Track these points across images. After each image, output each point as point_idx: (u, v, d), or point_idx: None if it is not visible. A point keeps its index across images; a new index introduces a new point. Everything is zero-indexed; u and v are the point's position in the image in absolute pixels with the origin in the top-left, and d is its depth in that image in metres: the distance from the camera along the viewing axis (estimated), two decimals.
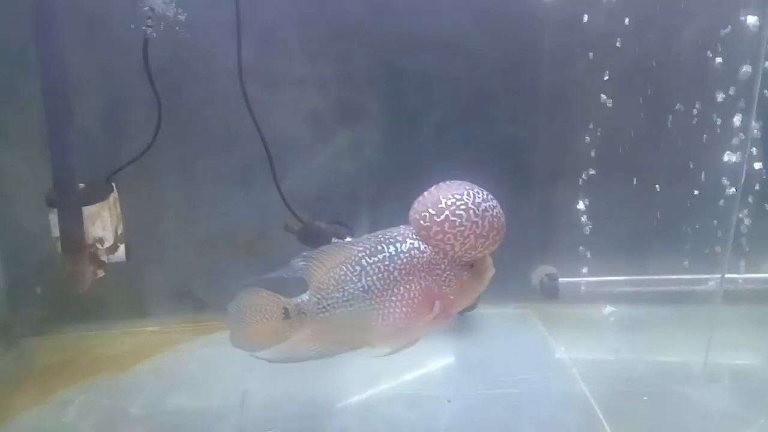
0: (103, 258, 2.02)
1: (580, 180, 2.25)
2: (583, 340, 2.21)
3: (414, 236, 1.24)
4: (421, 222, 1.20)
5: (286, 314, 1.26)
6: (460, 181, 1.27)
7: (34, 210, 1.92)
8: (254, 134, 2.02)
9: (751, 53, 2.02)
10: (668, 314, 2.30)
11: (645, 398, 1.89)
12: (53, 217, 1.84)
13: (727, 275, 2.21)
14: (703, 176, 2.20)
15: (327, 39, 2.15)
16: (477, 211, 1.20)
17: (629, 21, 2.10)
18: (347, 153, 2.26)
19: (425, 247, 1.23)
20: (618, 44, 2.10)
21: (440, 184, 1.26)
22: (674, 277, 2.25)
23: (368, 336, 1.28)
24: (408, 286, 1.23)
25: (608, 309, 2.28)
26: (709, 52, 2.10)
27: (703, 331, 1.97)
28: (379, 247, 1.24)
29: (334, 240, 2.13)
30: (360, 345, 1.32)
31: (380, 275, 1.22)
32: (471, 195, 1.21)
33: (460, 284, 1.25)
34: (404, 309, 1.24)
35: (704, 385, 1.90)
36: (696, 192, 2.21)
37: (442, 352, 2.19)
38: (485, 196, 1.24)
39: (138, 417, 1.85)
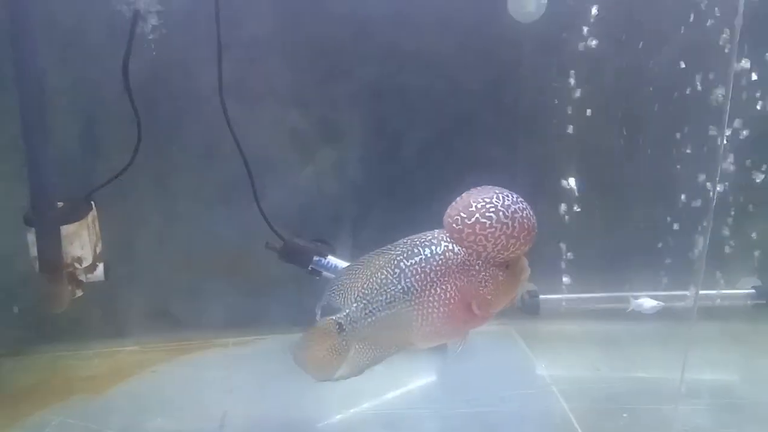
0: (82, 278, 1.99)
1: (560, 198, 2.27)
2: (564, 357, 2.21)
3: (448, 239, 1.27)
4: (454, 225, 1.24)
5: (341, 328, 1.28)
6: (490, 186, 1.30)
7: (12, 229, 1.88)
8: (235, 152, 2.02)
9: (724, 71, 2.06)
10: (647, 331, 2.31)
11: (624, 415, 1.90)
12: (31, 237, 1.82)
13: (703, 292, 2.25)
14: (680, 193, 2.23)
15: (309, 58, 2.16)
16: (506, 213, 1.23)
17: (607, 41, 2.14)
18: (329, 171, 2.26)
19: (459, 249, 1.26)
20: (596, 64, 2.14)
21: (471, 189, 1.30)
22: (653, 293, 2.27)
23: (411, 337, 1.30)
24: (444, 287, 1.26)
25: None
26: (684, 69, 2.14)
27: (681, 347, 1.98)
28: (416, 250, 1.28)
29: (315, 259, 2.13)
30: (405, 347, 1.34)
31: (418, 277, 1.26)
32: (500, 198, 1.25)
33: (496, 284, 1.28)
34: (442, 309, 1.27)
35: (682, 402, 1.91)
36: (673, 209, 2.24)
37: (423, 370, 2.18)
38: (515, 199, 1.28)
39: None
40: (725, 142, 2.09)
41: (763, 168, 2.25)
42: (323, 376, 1.35)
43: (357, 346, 1.31)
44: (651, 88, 2.20)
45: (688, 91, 2.16)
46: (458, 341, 1.35)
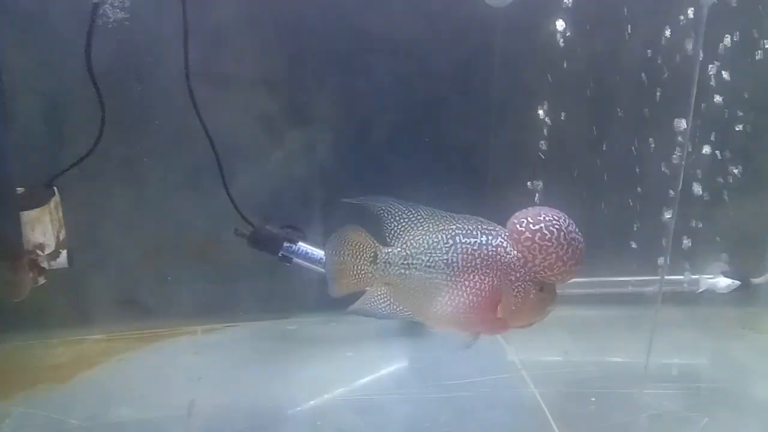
0: (44, 265, 1.96)
1: (531, 183, 2.26)
2: (534, 342, 2.21)
3: (505, 237, 1.28)
4: (517, 226, 1.26)
5: (374, 259, 1.28)
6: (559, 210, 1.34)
7: None
8: (202, 136, 1.99)
9: (692, 60, 2.07)
10: (616, 316, 2.33)
11: (593, 399, 1.91)
12: None
13: (671, 277, 2.27)
14: (650, 179, 2.24)
15: (277, 40, 2.13)
16: (567, 237, 1.27)
17: (579, 26, 2.13)
18: (299, 156, 2.23)
19: (510, 250, 1.27)
20: (568, 49, 2.13)
21: (543, 206, 1.33)
22: (622, 279, 2.28)
23: (430, 311, 1.29)
24: (482, 278, 1.27)
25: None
26: (654, 55, 2.14)
27: (648, 332, 2.00)
28: (475, 232, 1.28)
29: (285, 245, 2.10)
30: (419, 317, 1.33)
31: (465, 256, 1.26)
32: (566, 221, 1.29)
33: (526, 299, 1.28)
34: (471, 298, 1.27)
35: (651, 386, 1.93)
36: (643, 195, 2.25)
37: (395, 356, 2.18)
38: (576, 229, 1.31)
39: (78, 430, 1.77)
40: (689, 126, 2.10)
41: (733, 154, 2.26)
42: (335, 291, 1.35)
43: (379, 288, 1.30)
44: (623, 74, 2.19)
45: (658, 77, 2.15)
46: (470, 338, 1.35)
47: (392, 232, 1.32)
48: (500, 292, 1.27)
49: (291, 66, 2.15)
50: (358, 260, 1.31)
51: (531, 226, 1.25)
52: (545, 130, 2.21)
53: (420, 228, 1.29)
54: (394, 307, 1.32)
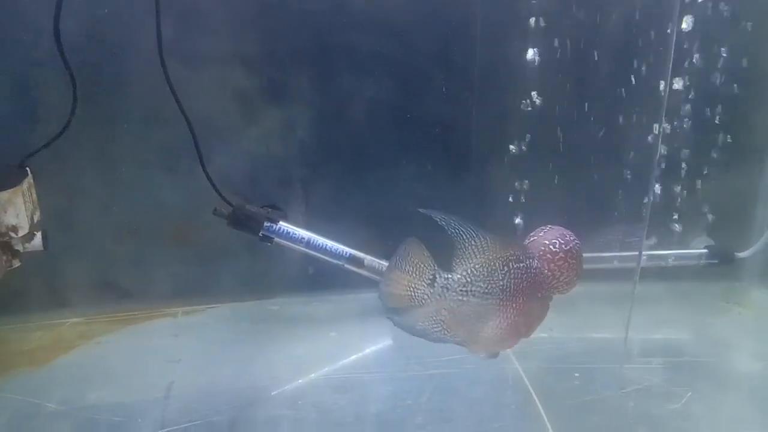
0: (18, 247, 1.93)
1: (514, 160, 2.24)
2: None
3: (533, 257, 1.34)
4: (551, 247, 1.36)
5: (432, 281, 1.27)
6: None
7: None
8: (178, 114, 1.95)
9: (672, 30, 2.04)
10: (600, 292, 2.30)
11: (576, 375, 1.90)
12: None
13: (655, 252, 2.25)
14: (633, 154, 2.22)
15: (253, 14, 2.07)
16: (581, 255, 1.41)
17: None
18: (278, 134, 2.19)
19: (540, 269, 1.35)
20: (550, 23, 2.09)
21: (553, 226, 1.44)
22: (607, 254, 2.27)
23: (480, 334, 1.31)
24: (525, 299, 1.31)
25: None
26: (635, 28, 2.11)
27: (635, 308, 1.98)
28: (522, 257, 1.31)
29: (266, 224, 2.07)
30: (467, 342, 1.35)
31: (516, 281, 1.29)
32: (580, 242, 1.42)
33: (542, 313, 1.37)
34: (516, 318, 1.31)
35: (634, 361, 1.92)
36: (627, 170, 2.23)
37: (378, 335, 2.16)
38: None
39: (54, 413, 1.74)
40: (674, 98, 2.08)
41: (716, 128, 2.24)
42: (388, 301, 1.34)
43: (433, 311, 1.30)
44: (607, 47, 2.16)
45: (642, 50, 2.13)
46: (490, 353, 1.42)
47: (458, 256, 1.31)
48: (533, 309, 1.34)
49: (268, 42, 2.10)
50: (416, 279, 1.30)
51: (564, 246, 1.35)
52: (528, 106, 2.18)
53: (482, 256, 1.29)
54: (446, 331, 1.32)
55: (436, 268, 1.28)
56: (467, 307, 1.27)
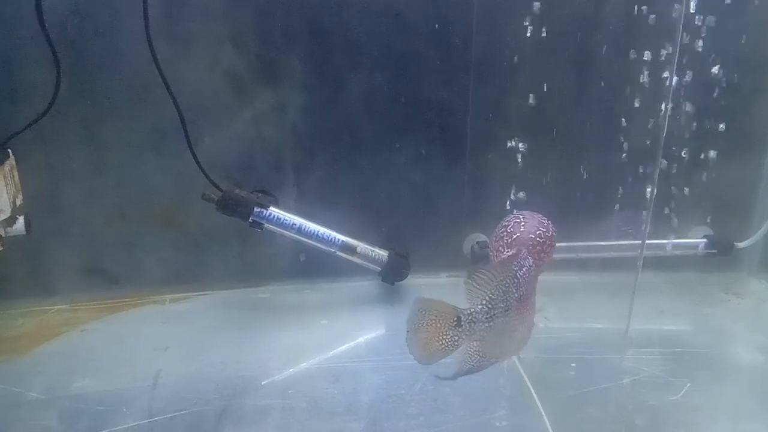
0: (0, 231, 1.88)
1: (511, 146, 2.19)
2: None
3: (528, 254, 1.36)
4: (538, 239, 1.37)
5: (458, 322, 1.26)
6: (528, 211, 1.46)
7: None
8: (165, 95, 1.91)
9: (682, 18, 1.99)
10: (597, 281, 2.28)
11: (573, 365, 1.86)
12: None
13: (654, 241, 2.22)
14: (632, 141, 2.17)
15: None
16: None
17: None
18: (269, 116, 2.13)
19: (534, 262, 1.36)
20: (552, 4, 2.04)
21: (520, 212, 1.43)
22: (604, 243, 2.23)
23: (511, 345, 1.35)
24: (533, 296, 1.36)
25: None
26: (639, 12, 2.06)
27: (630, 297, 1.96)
28: (523, 261, 1.33)
29: (256, 210, 2.02)
30: (507, 355, 1.39)
31: (525, 286, 1.30)
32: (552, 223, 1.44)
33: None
34: (531, 317, 1.35)
35: (631, 351, 1.88)
36: (626, 157, 2.18)
37: (373, 322, 2.13)
38: None
39: (38, 402, 1.70)
40: (674, 86, 2.03)
41: (716, 116, 2.20)
42: (425, 360, 1.32)
43: (467, 347, 1.30)
44: (607, 29, 2.11)
45: (642, 36, 2.07)
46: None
47: (471, 289, 1.30)
48: (534, 303, 1.37)
49: (259, 21, 2.04)
50: (442, 328, 1.29)
51: (546, 233, 1.38)
52: (526, 89, 2.13)
53: (494, 281, 1.28)
54: (484, 358, 1.32)
55: (457, 309, 1.27)
56: (495, 329, 1.27)
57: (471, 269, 1.29)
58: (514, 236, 1.37)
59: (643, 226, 1.87)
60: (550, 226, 1.41)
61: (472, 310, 1.26)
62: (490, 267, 1.29)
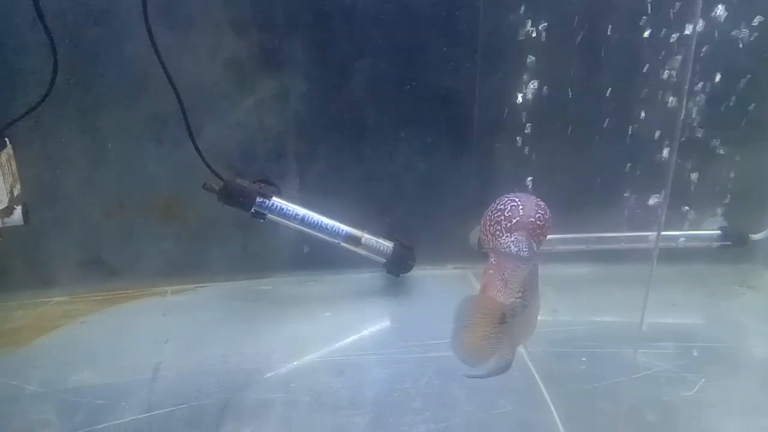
0: None
1: (519, 136, 2.14)
2: None
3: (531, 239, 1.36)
4: (538, 222, 1.35)
5: (503, 319, 1.23)
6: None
7: None
8: (165, 83, 1.86)
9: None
10: (607, 273, 2.23)
11: (583, 359, 1.81)
12: None
13: (666, 233, 2.16)
14: (644, 131, 2.12)
15: None
16: None
17: None
18: (271, 104, 2.08)
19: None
20: None
21: (515, 194, 1.41)
22: (614, 235, 2.18)
23: (526, 334, 1.31)
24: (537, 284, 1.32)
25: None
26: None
27: (642, 290, 1.90)
28: (533, 246, 1.33)
29: (258, 200, 1.99)
30: (518, 344, 1.33)
31: (537, 274, 1.28)
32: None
33: None
34: (537, 305, 1.30)
35: (643, 345, 1.83)
36: (637, 148, 2.13)
37: (375, 315, 2.09)
38: None
39: (35, 395, 1.67)
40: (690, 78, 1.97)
41: (730, 107, 2.14)
42: (473, 361, 1.28)
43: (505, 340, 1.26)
44: (617, 18, 2.05)
45: (656, 22, 2.02)
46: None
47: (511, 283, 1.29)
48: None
49: (261, 6, 1.99)
50: (489, 325, 1.26)
51: (545, 215, 1.35)
52: (535, 77, 2.08)
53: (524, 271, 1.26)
54: (511, 351, 1.28)
55: (503, 305, 1.23)
56: (526, 318, 1.25)
57: (499, 263, 1.26)
58: (514, 221, 1.34)
59: (658, 217, 1.82)
60: (546, 207, 1.39)
61: (515, 305, 1.23)
62: (515, 258, 1.27)
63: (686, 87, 1.91)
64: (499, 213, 1.35)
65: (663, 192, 1.98)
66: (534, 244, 1.33)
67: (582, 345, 1.88)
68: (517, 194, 1.39)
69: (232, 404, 1.65)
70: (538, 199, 1.38)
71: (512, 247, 1.30)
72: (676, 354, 1.84)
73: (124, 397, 1.66)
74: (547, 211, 1.37)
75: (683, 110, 1.89)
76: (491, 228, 1.36)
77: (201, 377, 1.75)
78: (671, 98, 2.03)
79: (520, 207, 1.35)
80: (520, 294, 1.23)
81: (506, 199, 1.38)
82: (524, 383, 1.71)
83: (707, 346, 1.90)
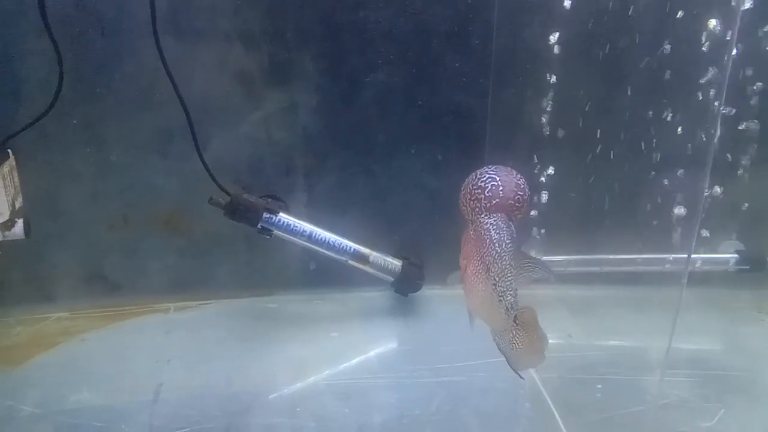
0: None
1: (532, 153, 2.10)
2: None
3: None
4: (517, 204, 1.32)
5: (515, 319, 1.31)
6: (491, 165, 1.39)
7: None
8: (172, 95, 1.83)
9: (721, 20, 1.89)
10: (621, 296, 2.18)
11: (599, 386, 1.76)
12: None
13: (682, 256, 2.11)
14: (661, 153, 2.08)
15: None
16: None
17: None
18: (279, 118, 2.05)
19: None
20: (576, 4, 1.95)
21: (496, 170, 1.36)
22: (629, 257, 2.13)
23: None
24: None
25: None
26: (675, 14, 1.96)
27: (659, 314, 1.86)
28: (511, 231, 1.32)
29: (265, 216, 1.95)
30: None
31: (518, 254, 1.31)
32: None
33: None
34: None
35: (661, 373, 1.78)
36: (653, 169, 2.09)
37: (383, 336, 2.05)
38: None
39: (31, 417, 1.62)
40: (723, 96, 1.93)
41: (749, 123, 2.10)
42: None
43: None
44: (637, 31, 2.01)
45: (679, 39, 1.98)
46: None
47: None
48: None
49: (271, 19, 1.96)
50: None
51: (525, 197, 1.32)
52: (549, 94, 2.04)
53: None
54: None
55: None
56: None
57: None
58: (494, 201, 1.32)
59: (688, 240, 1.76)
60: (525, 186, 1.35)
61: (510, 299, 1.28)
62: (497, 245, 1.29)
63: (720, 109, 1.86)
64: (480, 191, 1.33)
65: (693, 213, 1.94)
66: (513, 227, 1.32)
67: (597, 371, 1.82)
68: (498, 171, 1.34)
69: (234, 429, 1.60)
70: (519, 178, 1.34)
71: (492, 232, 1.29)
72: (694, 382, 1.78)
73: (124, 419, 1.61)
74: (527, 190, 1.34)
75: (717, 132, 1.84)
76: (471, 203, 1.34)
77: (204, 400, 1.70)
78: (690, 117, 1.99)
79: (501, 188, 1.32)
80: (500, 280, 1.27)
81: (487, 176, 1.34)
82: (539, 411, 1.66)
83: (726, 374, 1.84)
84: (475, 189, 1.34)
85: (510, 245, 1.28)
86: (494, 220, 1.30)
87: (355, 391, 1.75)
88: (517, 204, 1.32)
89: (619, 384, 1.78)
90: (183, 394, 1.72)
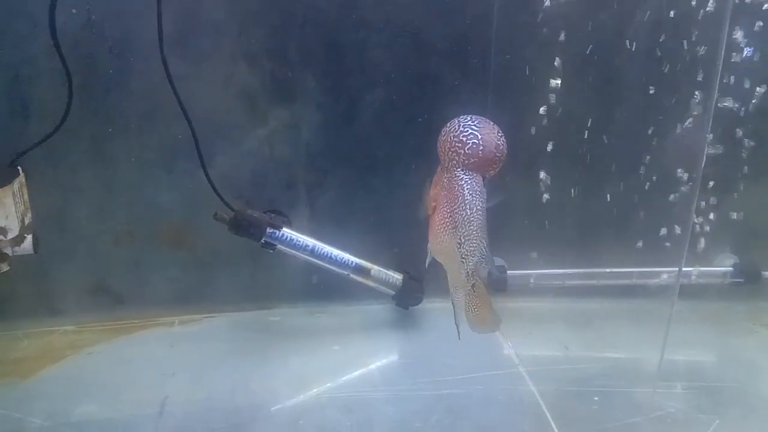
0: (7, 251, 1.86)
1: (530, 169, 2.13)
2: (532, 336, 2.10)
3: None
4: (494, 164, 1.34)
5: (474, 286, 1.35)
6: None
7: None
8: (178, 113, 1.85)
9: (711, 39, 1.93)
10: (618, 309, 2.21)
11: (595, 398, 1.79)
12: None
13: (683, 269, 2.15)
14: (656, 167, 2.11)
15: (259, 10, 1.98)
16: None
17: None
18: (283, 135, 2.09)
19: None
20: (572, 22, 1.99)
21: (477, 124, 1.36)
22: (626, 270, 2.16)
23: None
24: None
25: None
26: (669, 27, 2.00)
27: (655, 326, 1.88)
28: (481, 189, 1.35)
29: (268, 231, 1.98)
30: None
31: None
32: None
33: None
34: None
35: (657, 384, 1.81)
36: (649, 182, 2.12)
37: (384, 349, 2.07)
38: None
39: (39, 429, 1.64)
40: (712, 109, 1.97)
41: (743, 137, 2.13)
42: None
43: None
44: (632, 50, 2.05)
45: (672, 52, 2.02)
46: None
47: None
48: None
49: (274, 37, 2.01)
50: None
51: (503, 155, 1.34)
52: (547, 112, 2.08)
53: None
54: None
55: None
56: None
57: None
58: (472, 160, 1.32)
59: (679, 253, 1.80)
60: (504, 145, 1.35)
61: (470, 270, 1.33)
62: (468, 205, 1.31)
63: (709, 123, 1.89)
64: (460, 145, 1.32)
65: (682, 227, 1.97)
66: (484, 189, 1.35)
67: (594, 383, 1.85)
68: (481, 127, 1.33)
69: None
70: (500, 137, 1.34)
71: (466, 192, 1.31)
72: (690, 394, 1.82)
73: (132, 431, 1.64)
74: (505, 150, 1.34)
75: (704, 147, 1.87)
76: (449, 152, 1.34)
77: (208, 413, 1.73)
78: (686, 134, 2.03)
79: (480, 147, 1.31)
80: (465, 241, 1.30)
81: (469, 130, 1.33)
82: (537, 424, 1.69)
83: (721, 386, 1.87)
84: (455, 141, 1.33)
85: (481, 211, 1.30)
86: (470, 180, 1.32)
87: (356, 404, 1.78)
88: (493, 164, 1.34)
89: (615, 396, 1.81)
90: (188, 407, 1.75)
